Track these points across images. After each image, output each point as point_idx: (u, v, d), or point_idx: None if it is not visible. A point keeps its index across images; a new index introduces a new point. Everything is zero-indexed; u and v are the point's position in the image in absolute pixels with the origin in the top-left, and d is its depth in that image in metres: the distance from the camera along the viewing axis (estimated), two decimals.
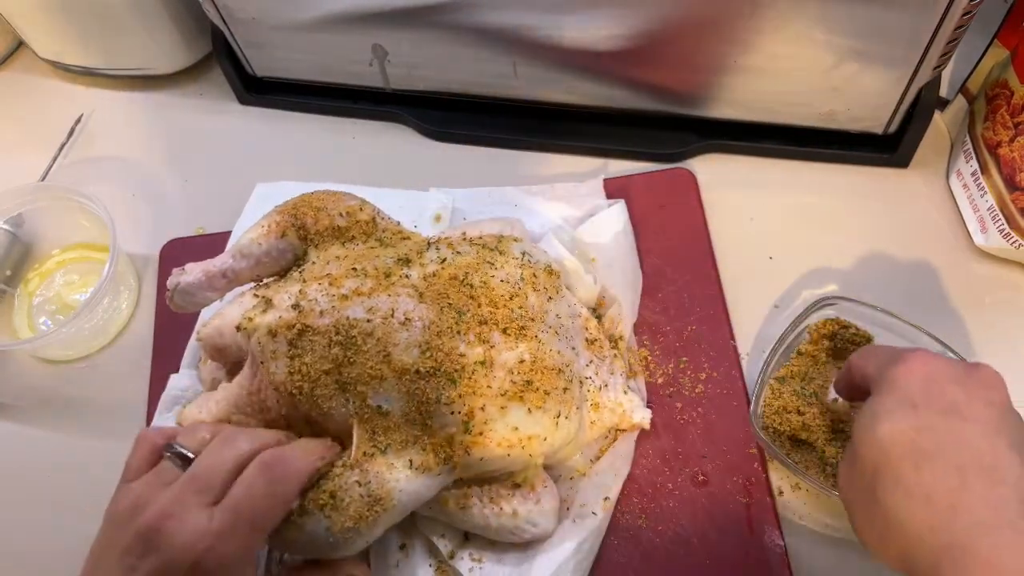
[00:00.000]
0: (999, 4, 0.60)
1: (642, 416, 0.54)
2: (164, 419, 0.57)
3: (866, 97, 0.60)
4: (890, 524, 0.37)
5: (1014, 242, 0.58)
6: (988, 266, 0.61)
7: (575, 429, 0.50)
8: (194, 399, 0.53)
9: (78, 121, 0.76)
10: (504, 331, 0.48)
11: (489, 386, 0.46)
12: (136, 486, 0.42)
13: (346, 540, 0.44)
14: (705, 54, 0.60)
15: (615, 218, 0.62)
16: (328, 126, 0.74)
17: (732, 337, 0.58)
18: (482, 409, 0.46)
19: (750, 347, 0.59)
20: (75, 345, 0.64)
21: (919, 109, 0.61)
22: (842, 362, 0.56)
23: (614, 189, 0.65)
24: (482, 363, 0.47)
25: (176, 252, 0.67)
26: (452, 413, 0.46)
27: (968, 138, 0.62)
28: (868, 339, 0.56)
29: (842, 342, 0.56)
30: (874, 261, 0.62)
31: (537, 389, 0.48)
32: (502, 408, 0.47)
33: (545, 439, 0.48)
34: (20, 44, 0.82)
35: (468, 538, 0.52)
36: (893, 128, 0.63)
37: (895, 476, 0.37)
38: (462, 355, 0.46)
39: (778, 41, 0.57)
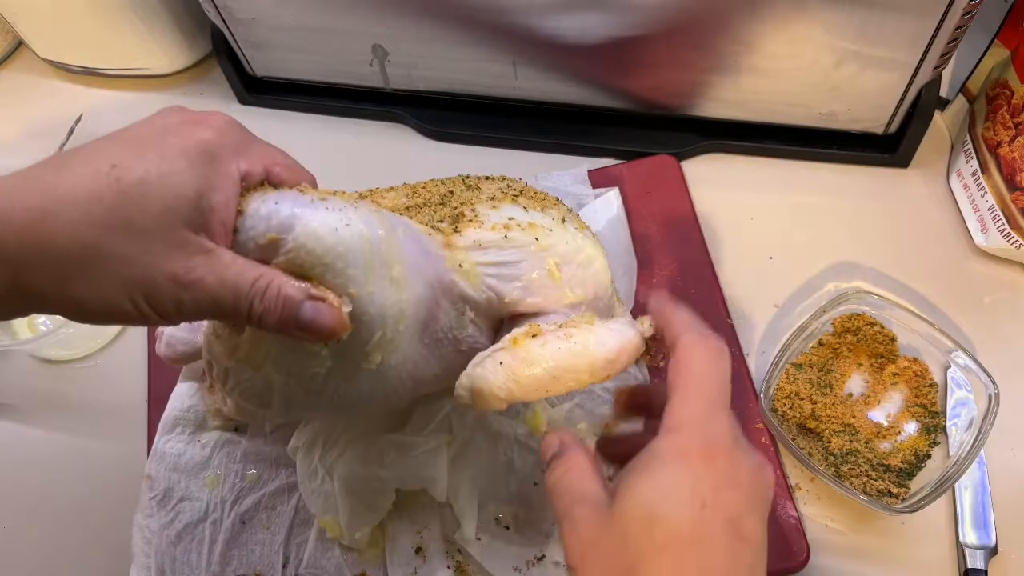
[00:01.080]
0: (999, 4, 0.60)
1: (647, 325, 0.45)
2: (165, 440, 0.56)
3: (866, 97, 0.60)
4: None
5: (1014, 242, 0.58)
6: (988, 266, 0.61)
7: (589, 245, 0.44)
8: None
9: (78, 121, 0.76)
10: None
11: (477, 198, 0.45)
12: None
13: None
14: (705, 54, 0.60)
15: (608, 205, 0.62)
16: (328, 126, 0.74)
17: (729, 317, 0.59)
18: (472, 208, 0.43)
19: (751, 347, 0.59)
20: (75, 345, 0.64)
21: (919, 109, 0.61)
22: (862, 358, 0.56)
23: (599, 179, 0.65)
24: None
25: None
26: (441, 221, 0.43)
27: (968, 138, 0.62)
28: (892, 338, 0.56)
29: (865, 339, 0.56)
30: (874, 261, 0.62)
31: (532, 196, 0.45)
32: (493, 206, 0.44)
33: (551, 231, 0.43)
34: (20, 44, 0.82)
35: (480, 537, 0.51)
36: (893, 128, 0.63)
37: (657, 571, 0.32)
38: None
39: (778, 41, 0.57)
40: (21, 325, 0.66)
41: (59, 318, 0.65)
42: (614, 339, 0.40)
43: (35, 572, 0.57)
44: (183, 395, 0.58)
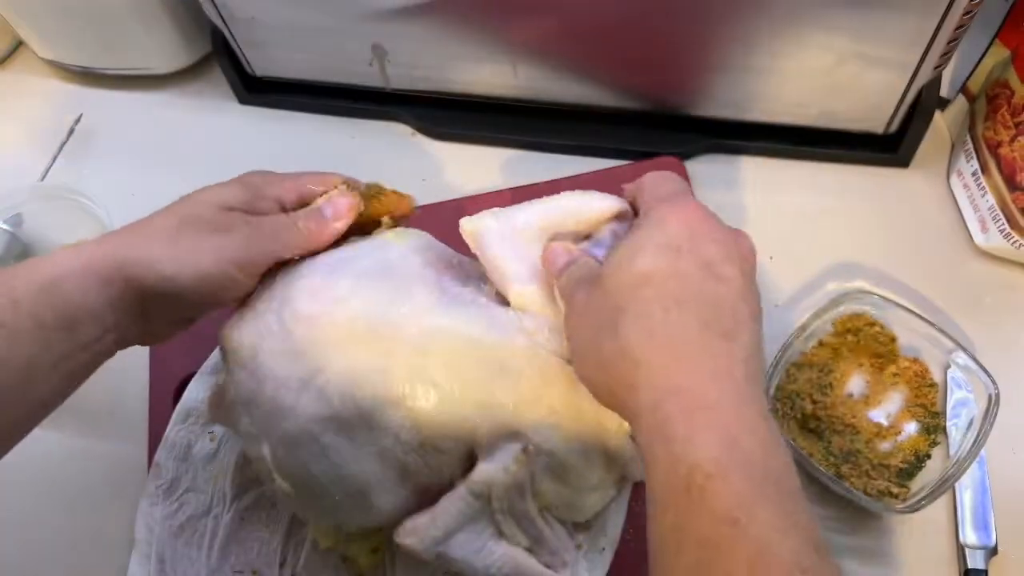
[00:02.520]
0: (1000, 4, 0.60)
1: None
2: (177, 430, 0.57)
3: (866, 97, 0.60)
4: (622, 358, 0.37)
5: (1014, 242, 0.58)
6: (988, 266, 0.61)
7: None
8: None
9: (77, 121, 0.76)
10: None
11: None
12: None
13: None
14: (706, 54, 0.60)
15: None
16: (328, 126, 0.74)
17: None
18: None
19: None
20: None
21: (920, 109, 0.61)
22: (863, 358, 0.56)
23: (603, 180, 0.64)
24: None
25: None
26: None
27: (969, 138, 0.62)
28: (892, 338, 0.56)
29: (866, 339, 0.56)
30: (874, 261, 0.62)
31: None
32: None
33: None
34: (20, 44, 0.82)
35: None
36: (894, 128, 0.63)
37: (643, 313, 0.37)
38: None
39: (779, 41, 0.57)
40: None
41: None
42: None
43: (35, 571, 0.57)
44: (200, 386, 0.58)
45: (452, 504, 0.43)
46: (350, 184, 0.49)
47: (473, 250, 0.48)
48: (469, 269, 0.50)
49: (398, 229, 0.50)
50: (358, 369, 0.43)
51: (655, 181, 0.44)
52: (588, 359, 0.40)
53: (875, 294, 0.56)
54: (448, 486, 0.45)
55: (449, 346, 0.44)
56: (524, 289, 0.46)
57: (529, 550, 0.45)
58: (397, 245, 0.48)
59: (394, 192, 0.50)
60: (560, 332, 0.45)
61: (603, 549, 0.51)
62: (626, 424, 0.44)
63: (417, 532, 0.44)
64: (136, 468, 0.58)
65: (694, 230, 0.39)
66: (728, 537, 0.31)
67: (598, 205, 0.48)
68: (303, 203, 0.48)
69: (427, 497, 0.45)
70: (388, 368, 0.43)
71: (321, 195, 0.48)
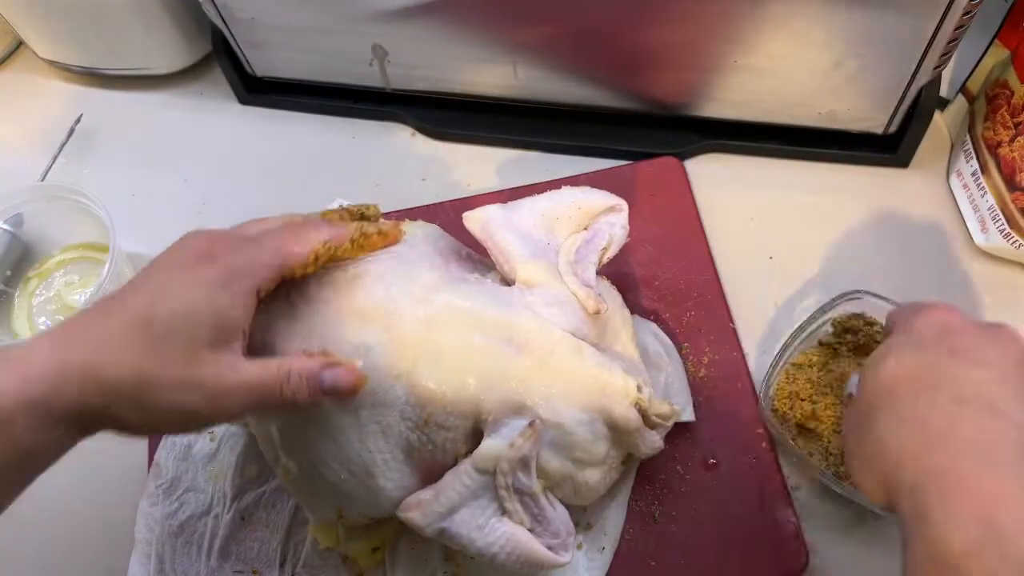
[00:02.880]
0: (999, 4, 0.60)
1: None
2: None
3: (866, 97, 0.60)
4: (878, 448, 0.37)
5: (1014, 242, 0.58)
6: (988, 266, 0.61)
7: None
8: None
9: (78, 121, 0.76)
10: None
11: None
12: None
13: None
14: (705, 54, 0.60)
15: None
16: (328, 126, 0.74)
17: (731, 320, 0.59)
18: None
19: (751, 347, 0.59)
20: None
21: (919, 109, 0.61)
22: (862, 358, 0.56)
23: (603, 180, 0.65)
24: None
25: None
26: None
27: (968, 138, 0.62)
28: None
29: (865, 338, 0.56)
30: (874, 261, 0.62)
31: None
32: None
33: None
34: (20, 44, 0.82)
35: None
36: (893, 128, 0.63)
37: (892, 405, 0.37)
38: None
39: (778, 41, 0.57)
40: (21, 325, 0.66)
41: (60, 318, 0.65)
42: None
43: (34, 570, 0.57)
44: None
45: (456, 479, 0.44)
46: (331, 247, 0.43)
47: (479, 236, 0.50)
48: (476, 260, 0.51)
49: (407, 221, 0.51)
50: (364, 345, 0.43)
51: (905, 307, 0.44)
52: (856, 463, 0.40)
53: (873, 294, 0.56)
54: (454, 466, 0.45)
55: (454, 321, 0.45)
56: (529, 264, 0.48)
57: (531, 531, 0.45)
58: (405, 234, 0.49)
59: (378, 233, 0.47)
60: (564, 305, 0.47)
61: (603, 549, 0.51)
62: (632, 387, 0.46)
63: (420, 507, 0.44)
64: (136, 468, 0.58)
65: (943, 325, 0.39)
66: None
67: (592, 199, 0.52)
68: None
69: (432, 478, 0.45)
70: (393, 343, 0.43)
71: (321, 353, 0.42)
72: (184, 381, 0.37)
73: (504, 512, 0.45)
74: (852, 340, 0.56)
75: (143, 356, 0.36)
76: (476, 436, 0.45)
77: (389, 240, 0.47)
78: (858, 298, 0.56)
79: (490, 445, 0.44)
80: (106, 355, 0.36)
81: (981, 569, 0.31)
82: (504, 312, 0.45)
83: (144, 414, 0.37)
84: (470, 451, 0.45)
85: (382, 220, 0.49)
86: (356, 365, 0.42)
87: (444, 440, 0.45)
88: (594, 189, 0.53)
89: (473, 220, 0.51)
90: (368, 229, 0.45)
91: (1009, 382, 0.36)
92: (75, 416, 0.36)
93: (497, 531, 0.44)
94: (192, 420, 0.38)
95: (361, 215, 0.48)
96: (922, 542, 0.33)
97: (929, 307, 0.41)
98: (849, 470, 0.41)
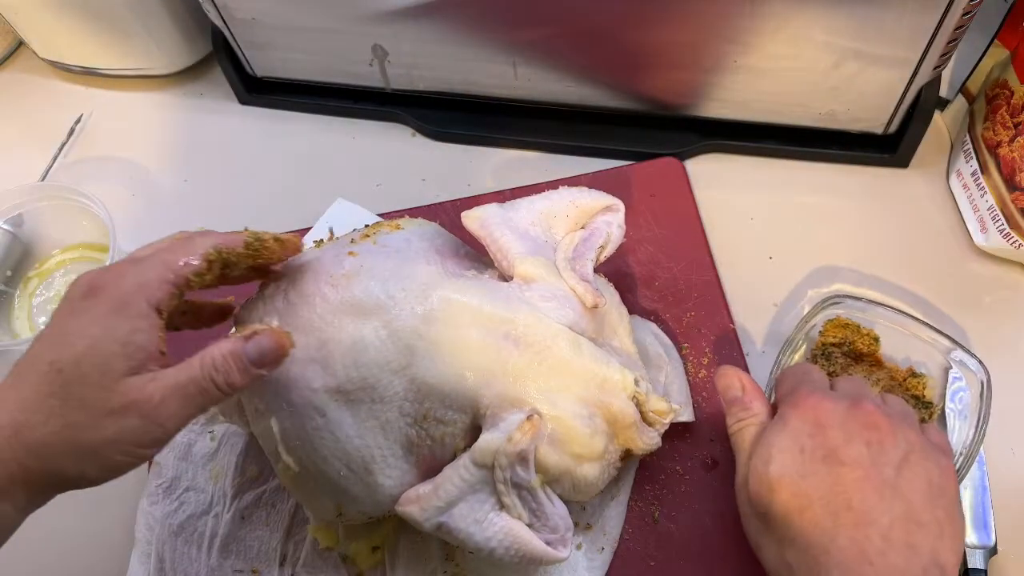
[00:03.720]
0: (999, 4, 0.60)
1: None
2: None
3: (866, 97, 0.60)
4: (780, 561, 0.42)
5: (1014, 242, 0.58)
6: (988, 266, 0.61)
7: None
8: None
9: (78, 121, 0.76)
10: None
11: None
12: None
13: None
14: (705, 54, 0.60)
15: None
16: (328, 126, 0.74)
17: (731, 320, 0.59)
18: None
19: (751, 347, 0.59)
20: None
21: (919, 109, 0.61)
22: (858, 367, 0.56)
23: (603, 181, 0.65)
24: None
25: None
26: None
27: (968, 138, 0.62)
28: (875, 338, 0.56)
29: (857, 340, 0.56)
30: (874, 261, 0.62)
31: None
32: None
33: None
34: (20, 44, 0.82)
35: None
36: (893, 128, 0.63)
37: (783, 519, 0.41)
38: None
39: (778, 41, 0.57)
40: (22, 325, 0.66)
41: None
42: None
43: (35, 571, 0.57)
44: None
45: (455, 473, 0.44)
46: (222, 251, 0.42)
47: (477, 233, 0.51)
48: (474, 257, 0.52)
49: (406, 218, 0.51)
50: (361, 340, 0.43)
51: (783, 378, 0.48)
52: (760, 548, 0.44)
53: (857, 296, 0.56)
54: (452, 460, 0.45)
55: (452, 316, 0.45)
56: (527, 260, 0.48)
57: (530, 526, 0.45)
58: (403, 231, 0.49)
59: (275, 239, 0.44)
60: (562, 300, 0.47)
61: (603, 549, 0.51)
62: (630, 381, 0.46)
63: (419, 501, 0.44)
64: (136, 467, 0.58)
65: (815, 423, 0.43)
66: None
67: (589, 198, 0.52)
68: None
69: (431, 473, 0.45)
70: (391, 338, 0.43)
71: (238, 328, 0.42)
72: (112, 411, 0.36)
73: (502, 507, 0.45)
74: (845, 340, 0.57)
75: (63, 406, 0.36)
76: (475, 431, 0.45)
77: (288, 249, 0.45)
78: (837, 303, 0.56)
79: (488, 439, 0.44)
80: (29, 415, 0.36)
81: None
82: (502, 307, 0.46)
83: (87, 460, 0.37)
84: (468, 446, 0.45)
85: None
86: (273, 325, 0.42)
87: (443, 435, 0.45)
88: (591, 189, 0.54)
89: (472, 218, 0.51)
90: (263, 235, 0.44)
91: (870, 479, 0.41)
92: (20, 486, 0.36)
93: (495, 525, 0.44)
94: (140, 446, 0.37)
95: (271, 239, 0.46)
96: None
97: (799, 398, 0.44)
98: (752, 543, 0.45)
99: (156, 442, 0.38)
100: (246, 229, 0.44)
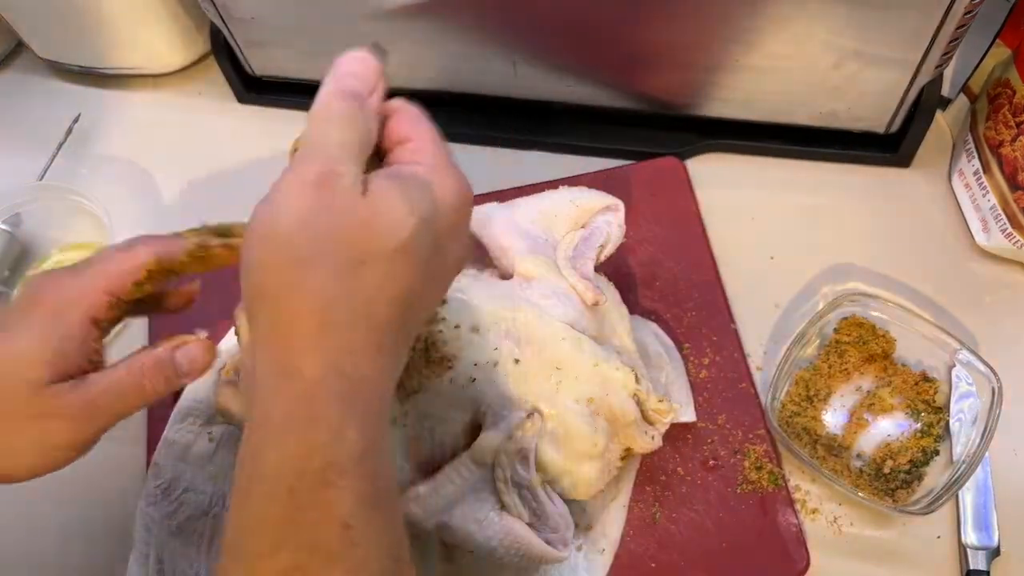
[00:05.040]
0: (1001, 3, 0.60)
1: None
2: (176, 430, 0.56)
3: (868, 96, 0.60)
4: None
5: (1016, 242, 0.58)
6: (990, 265, 0.61)
7: None
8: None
9: (76, 120, 0.75)
10: None
11: None
12: None
13: None
14: (706, 54, 0.60)
15: None
16: None
17: (732, 320, 0.59)
18: None
19: (752, 348, 0.59)
20: None
21: (921, 108, 0.61)
22: (864, 359, 0.56)
23: (604, 181, 0.64)
24: None
25: None
26: None
27: (970, 137, 0.62)
28: (892, 339, 0.56)
29: (866, 340, 0.56)
30: (876, 260, 0.62)
31: None
32: None
33: None
34: (19, 44, 0.82)
35: None
36: (895, 127, 0.63)
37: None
38: None
39: (779, 40, 0.57)
40: None
41: None
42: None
43: (34, 571, 0.57)
44: (198, 386, 0.58)
45: (455, 472, 0.44)
46: (163, 260, 0.41)
47: (477, 233, 0.51)
48: (475, 257, 0.52)
49: None
50: None
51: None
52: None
53: (872, 295, 0.56)
54: (452, 460, 0.45)
55: (451, 315, 0.44)
56: (527, 259, 0.48)
57: (530, 525, 0.45)
58: None
59: (223, 247, 0.43)
60: (563, 297, 0.47)
61: (603, 550, 0.51)
62: (631, 379, 0.46)
63: (419, 500, 0.44)
64: (135, 468, 0.58)
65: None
66: None
67: (589, 198, 0.52)
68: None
69: (431, 472, 0.45)
70: None
71: (166, 337, 0.41)
72: (36, 416, 0.37)
73: (503, 506, 0.44)
74: (854, 341, 0.56)
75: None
76: (475, 430, 0.45)
77: (235, 258, 0.42)
78: (855, 300, 0.56)
79: (488, 438, 0.44)
80: None
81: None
82: (502, 304, 0.45)
83: (8, 459, 0.38)
84: (468, 445, 0.45)
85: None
86: (202, 336, 0.42)
87: (443, 434, 0.45)
88: (591, 189, 0.54)
89: (472, 219, 0.51)
90: (210, 242, 0.42)
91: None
92: None
93: (496, 524, 0.44)
94: (65, 449, 0.38)
95: (226, 232, 0.45)
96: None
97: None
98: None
99: (79, 444, 0.39)
100: (204, 225, 0.43)
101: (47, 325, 0.38)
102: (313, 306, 0.30)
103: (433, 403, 0.44)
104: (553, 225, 0.52)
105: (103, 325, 0.40)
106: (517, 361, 0.45)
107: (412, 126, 0.37)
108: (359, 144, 0.34)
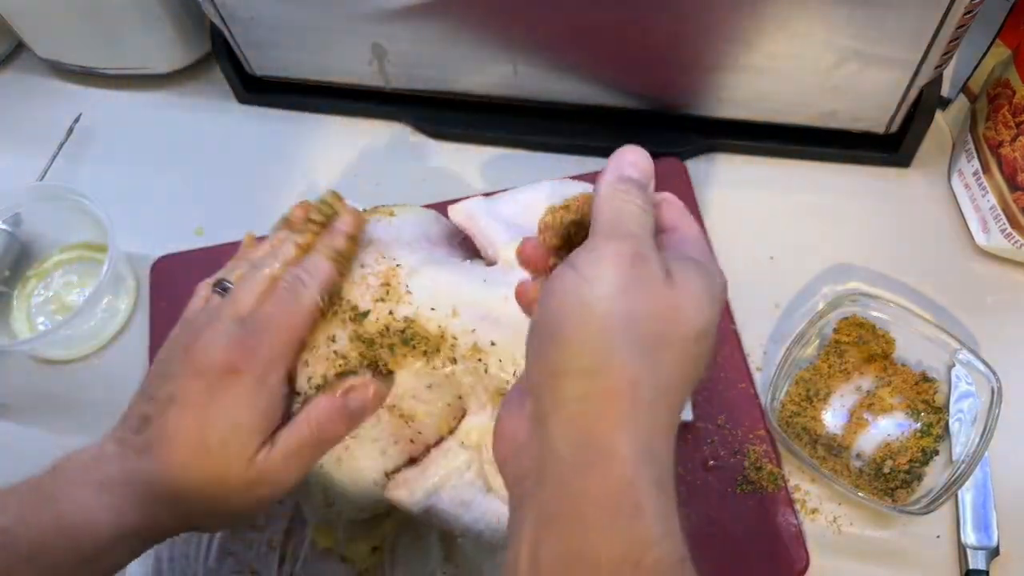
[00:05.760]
0: (1001, 3, 0.60)
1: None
2: None
3: (867, 96, 0.60)
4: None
5: (1015, 242, 0.58)
6: (990, 266, 0.61)
7: None
8: None
9: (76, 120, 0.75)
10: None
11: None
12: (187, 316, 0.45)
13: None
14: (706, 54, 0.60)
15: None
16: (328, 126, 0.74)
17: (732, 321, 0.59)
18: None
19: (752, 348, 0.59)
20: (74, 345, 0.64)
21: (921, 108, 0.61)
22: (864, 359, 0.56)
23: None
24: None
25: (168, 268, 0.66)
26: None
27: (970, 137, 0.62)
28: (891, 339, 0.56)
29: (866, 340, 0.56)
30: (875, 261, 0.62)
31: None
32: None
33: None
34: (20, 44, 0.82)
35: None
36: (895, 128, 0.63)
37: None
38: None
39: (779, 41, 0.57)
40: (20, 325, 0.66)
41: (59, 318, 0.65)
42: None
43: None
44: None
45: (442, 456, 0.44)
46: (326, 287, 0.44)
47: (464, 225, 0.52)
48: (469, 247, 0.52)
49: (399, 205, 0.52)
50: (336, 331, 0.44)
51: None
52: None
53: (872, 295, 0.56)
54: (438, 444, 0.45)
55: (434, 299, 0.44)
56: (511, 245, 0.48)
57: None
58: (395, 218, 0.50)
59: (348, 238, 0.46)
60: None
61: None
62: None
63: (407, 484, 0.44)
64: None
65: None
66: None
67: (572, 189, 0.51)
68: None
69: (417, 458, 0.46)
70: (371, 327, 0.44)
71: (334, 383, 0.44)
72: (249, 483, 0.40)
73: (489, 489, 0.44)
74: (854, 341, 0.56)
75: (207, 481, 0.40)
76: (459, 412, 0.46)
77: (358, 237, 0.46)
78: (855, 300, 0.56)
79: (474, 421, 0.44)
80: (180, 484, 0.40)
81: None
82: (486, 290, 0.45)
83: (221, 520, 0.43)
84: (454, 429, 0.45)
85: (345, 205, 0.48)
86: (367, 379, 0.43)
87: (427, 418, 0.45)
88: (574, 181, 0.55)
89: (458, 211, 0.53)
90: (338, 244, 0.45)
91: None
92: (160, 536, 0.41)
93: (482, 507, 0.44)
94: (265, 506, 0.43)
95: (326, 210, 0.47)
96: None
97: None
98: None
99: (278, 498, 0.42)
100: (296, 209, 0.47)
101: (253, 396, 0.40)
102: (625, 383, 0.30)
103: (414, 386, 0.44)
104: (536, 216, 0.52)
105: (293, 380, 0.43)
106: (493, 343, 0.44)
107: (680, 216, 0.38)
108: (652, 230, 0.35)
